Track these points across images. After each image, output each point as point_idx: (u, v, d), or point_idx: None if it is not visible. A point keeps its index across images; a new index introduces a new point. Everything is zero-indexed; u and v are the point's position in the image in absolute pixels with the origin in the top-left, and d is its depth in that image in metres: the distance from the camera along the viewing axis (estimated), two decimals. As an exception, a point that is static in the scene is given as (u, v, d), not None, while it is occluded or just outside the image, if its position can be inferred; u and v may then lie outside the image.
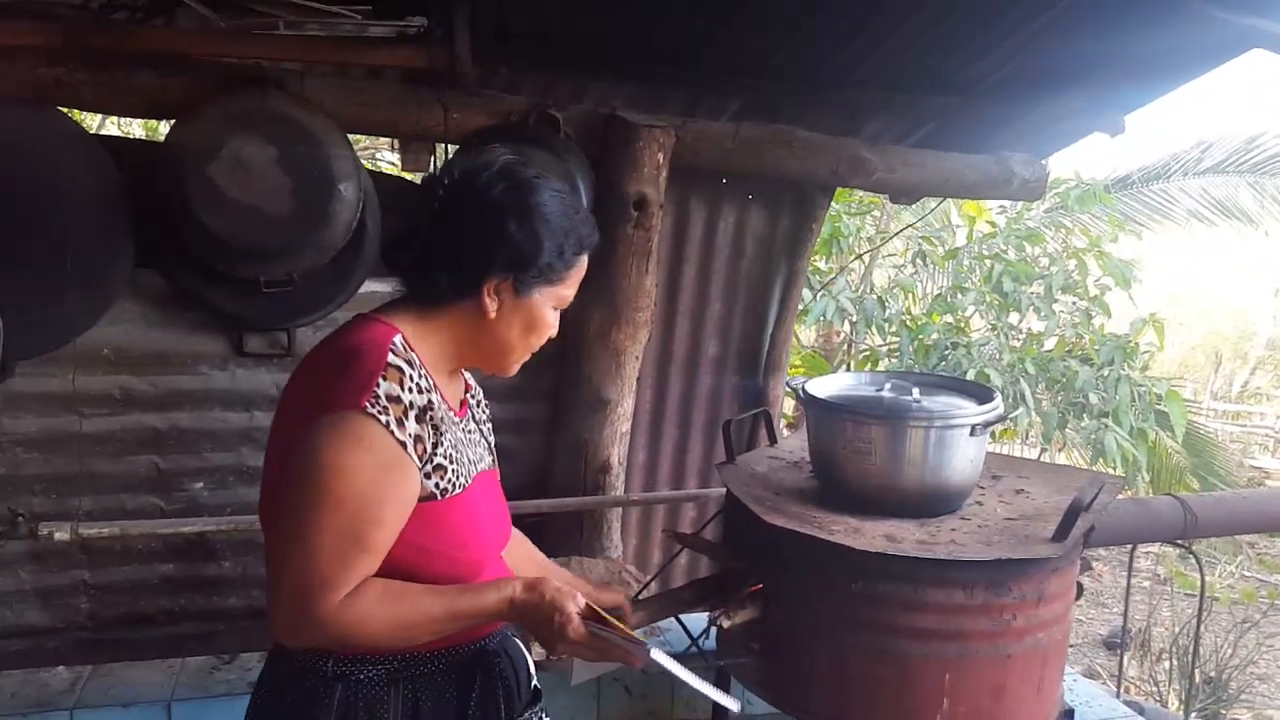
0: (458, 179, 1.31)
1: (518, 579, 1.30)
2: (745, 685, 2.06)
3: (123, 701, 2.23)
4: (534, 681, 1.51)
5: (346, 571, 1.19)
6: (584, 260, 1.38)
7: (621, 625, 1.28)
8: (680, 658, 2.11)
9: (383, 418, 1.19)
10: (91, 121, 5.66)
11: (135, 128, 6.35)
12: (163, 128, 2.63)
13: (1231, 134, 8.14)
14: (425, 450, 1.25)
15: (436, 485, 1.27)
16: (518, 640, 1.52)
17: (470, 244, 1.30)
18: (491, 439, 1.57)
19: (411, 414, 1.22)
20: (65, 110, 2.43)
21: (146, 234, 2.47)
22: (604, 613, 1.29)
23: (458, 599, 1.25)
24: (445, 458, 1.28)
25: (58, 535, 2.35)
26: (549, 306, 1.36)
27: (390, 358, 1.22)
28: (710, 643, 2.07)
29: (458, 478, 1.30)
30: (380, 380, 1.20)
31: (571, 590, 1.29)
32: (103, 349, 2.61)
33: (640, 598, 2.26)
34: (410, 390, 1.23)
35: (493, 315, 1.32)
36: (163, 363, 2.69)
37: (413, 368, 1.25)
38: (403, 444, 1.21)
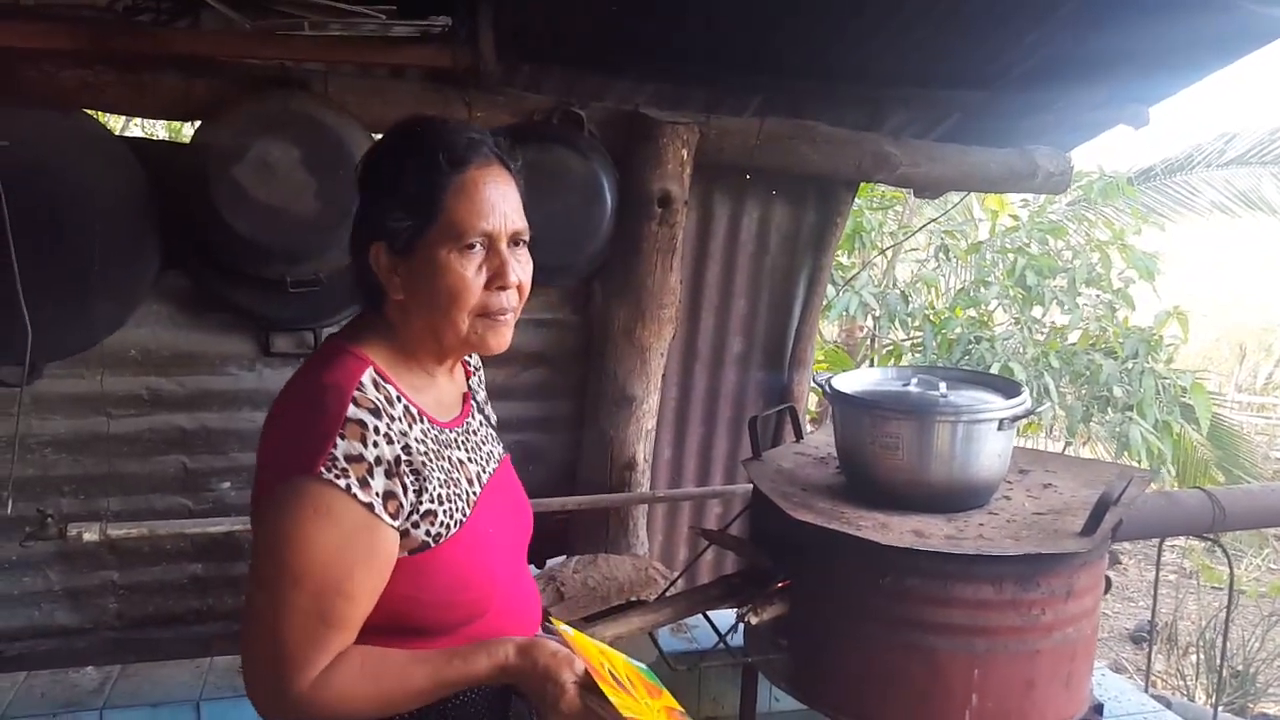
0: None
1: (511, 641, 1.16)
2: (773, 682, 2.06)
3: (152, 701, 2.25)
4: None
5: (315, 651, 1.10)
6: (471, 178, 1.16)
7: (620, 704, 1.11)
8: (707, 654, 2.12)
9: (341, 481, 1.07)
10: (116, 123, 5.71)
11: (159, 130, 6.40)
12: (187, 129, 2.64)
13: (1255, 125, 8.06)
14: (402, 505, 1.12)
15: (427, 533, 1.15)
16: None
17: (350, 237, 1.22)
18: (494, 418, 1.47)
19: (379, 470, 1.10)
20: (91, 113, 2.45)
21: (173, 236, 2.49)
22: (606, 682, 1.14)
23: (445, 668, 1.14)
24: (434, 500, 1.16)
25: (86, 536, 2.36)
26: (445, 252, 1.15)
27: (351, 410, 1.10)
28: (738, 639, 2.07)
29: (453, 514, 1.19)
30: (338, 440, 1.08)
31: (570, 656, 1.15)
32: (130, 350, 2.63)
33: (667, 594, 2.26)
34: (375, 445, 1.10)
35: (401, 295, 1.18)
36: (190, 363, 2.71)
37: (381, 415, 1.12)
38: (369, 505, 1.09)
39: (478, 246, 1.17)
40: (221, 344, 2.72)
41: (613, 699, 1.10)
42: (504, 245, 1.19)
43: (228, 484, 2.81)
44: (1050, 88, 3.01)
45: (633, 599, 2.56)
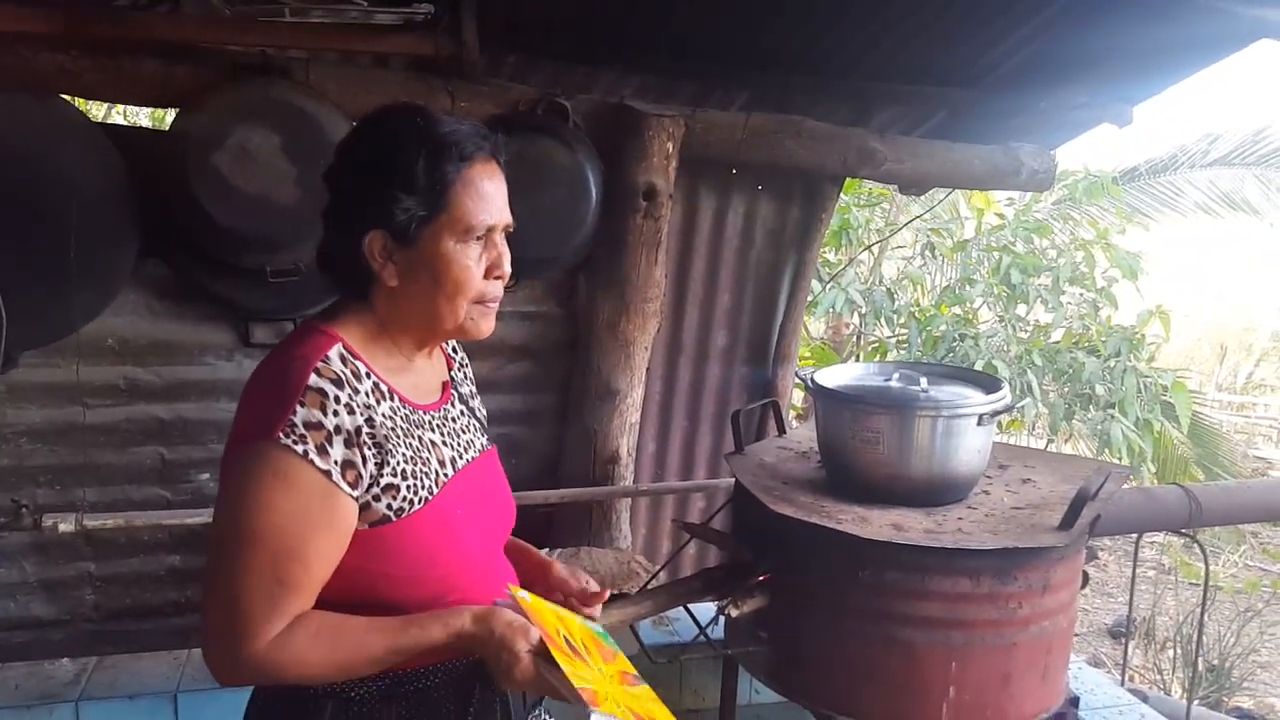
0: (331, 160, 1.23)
1: (468, 610, 1.18)
2: (753, 674, 2.07)
3: (128, 693, 2.24)
4: None
5: (271, 612, 1.11)
6: (473, 172, 1.19)
7: (572, 673, 1.12)
8: (688, 647, 2.12)
9: (299, 447, 1.09)
10: (97, 110, 5.65)
11: (141, 117, 6.34)
12: (168, 116, 2.62)
13: (1238, 126, 8.13)
14: (361, 475, 1.14)
15: (389, 506, 1.17)
16: None
17: (336, 219, 1.22)
18: (483, 413, 1.48)
19: (338, 439, 1.12)
20: (69, 99, 2.42)
21: (151, 224, 2.46)
22: (560, 650, 1.14)
23: (400, 635, 1.16)
24: (396, 474, 1.17)
25: (62, 527, 2.34)
26: (452, 243, 1.19)
27: (312, 379, 1.12)
28: (718, 632, 2.07)
29: (418, 491, 1.20)
30: (298, 407, 1.10)
31: (525, 625, 1.16)
32: (107, 339, 2.60)
33: (649, 587, 2.26)
34: (335, 414, 1.12)
35: (395, 282, 1.20)
36: (168, 353, 2.68)
37: (344, 385, 1.14)
38: (326, 472, 1.11)
39: (479, 239, 1.21)
40: (200, 334, 2.69)
41: (565, 667, 1.11)
42: (499, 237, 1.24)
43: (206, 475, 2.78)
44: (1035, 86, 3.01)
45: (615, 592, 2.55)
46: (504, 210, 1.24)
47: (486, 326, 1.27)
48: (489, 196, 1.21)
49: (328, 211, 1.24)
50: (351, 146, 1.23)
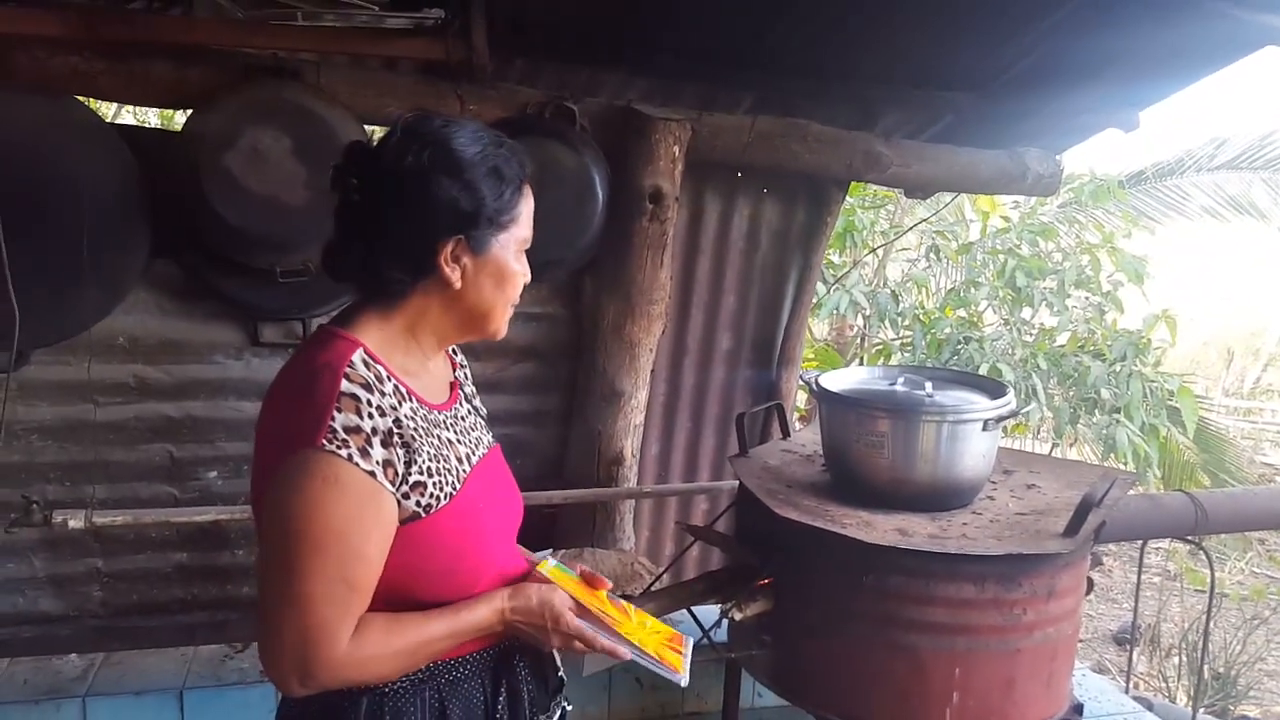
0: (367, 162, 1.22)
1: (502, 589, 1.29)
2: (756, 677, 2.07)
3: (135, 689, 2.25)
4: (560, 672, 1.49)
5: (344, 614, 1.15)
6: (529, 191, 1.30)
7: (612, 620, 1.28)
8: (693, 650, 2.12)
9: (343, 451, 1.12)
10: (108, 110, 5.67)
11: (151, 117, 6.36)
12: (179, 117, 2.63)
13: (1245, 131, 8.09)
14: (397, 473, 1.18)
15: (418, 503, 1.20)
16: None
17: (408, 222, 1.21)
18: (484, 411, 1.52)
19: (376, 440, 1.16)
20: (82, 99, 2.44)
21: (163, 224, 2.48)
22: (598, 602, 1.30)
23: (455, 620, 1.24)
24: (423, 472, 1.21)
25: (72, 523, 2.35)
26: (511, 252, 1.28)
27: (344, 385, 1.15)
28: (721, 635, 2.08)
29: (443, 487, 1.23)
30: (335, 413, 1.13)
31: (555, 588, 1.29)
32: (118, 338, 2.63)
33: (652, 589, 2.27)
34: (370, 416, 1.16)
35: (459, 285, 1.25)
36: (178, 352, 2.71)
37: (373, 389, 1.18)
38: (371, 473, 1.14)
39: (523, 250, 1.32)
40: (210, 333, 2.72)
41: (606, 614, 1.27)
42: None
43: (214, 473, 2.81)
44: (1042, 91, 3.02)
45: (618, 594, 2.56)
46: None
47: (505, 329, 1.36)
48: (532, 210, 1.32)
49: (377, 212, 1.21)
50: (420, 159, 1.20)
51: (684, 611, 2.21)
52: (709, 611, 2.11)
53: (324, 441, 1.12)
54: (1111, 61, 2.82)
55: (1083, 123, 3.27)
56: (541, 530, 3.10)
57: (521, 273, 1.31)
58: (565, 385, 3.17)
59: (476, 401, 1.51)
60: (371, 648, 1.17)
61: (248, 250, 2.48)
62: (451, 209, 1.21)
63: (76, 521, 2.35)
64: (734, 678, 2.32)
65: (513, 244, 1.28)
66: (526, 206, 1.29)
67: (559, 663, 1.50)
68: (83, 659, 2.36)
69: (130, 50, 2.33)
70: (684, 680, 1.34)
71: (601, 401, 3.04)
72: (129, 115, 6.19)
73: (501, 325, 1.33)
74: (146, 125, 5.82)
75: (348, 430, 1.13)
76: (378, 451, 1.15)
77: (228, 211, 2.36)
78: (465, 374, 1.52)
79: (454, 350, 1.51)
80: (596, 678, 2.49)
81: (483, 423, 1.46)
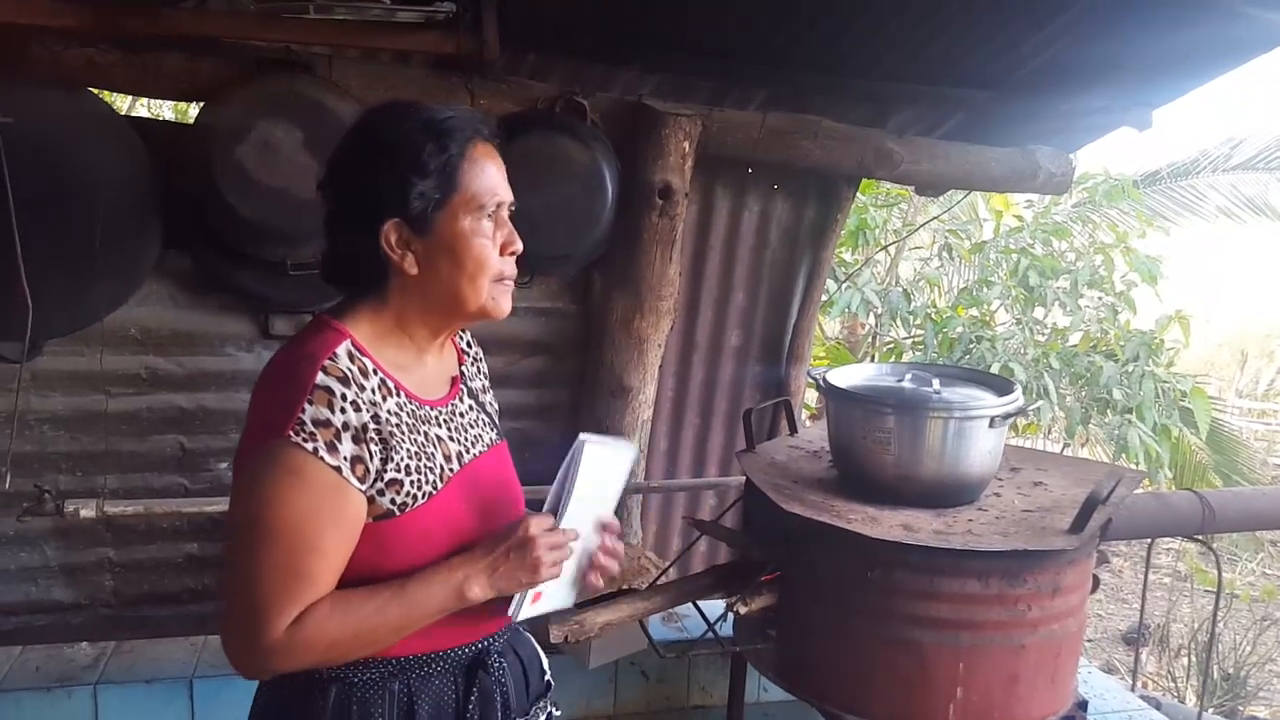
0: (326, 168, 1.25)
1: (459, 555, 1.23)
2: (761, 671, 2.08)
3: (146, 678, 2.28)
4: (546, 676, 1.49)
5: (288, 601, 1.13)
6: (481, 152, 1.23)
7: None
8: (697, 643, 2.13)
9: (309, 445, 1.12)
10: (122, 103, 5.71)
11: (165, 110, 6.40)
12: (193, 110, 2.65)
13: (1262, 131, 8.02)
14: (368, 470, 1.17)
15: (393, 501, 1.19)
16: (530, 636, 1.49)
17: (348, 215, 1.23)
18: (494, 407, 1.50)
19: (346, 435, 1.14)
20: (95, 92, 2.45)
21: (175, 216, 2.50)
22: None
23: (404, 588, 1.18)
24: (400, 469, 1.19)
25: (83, 513, 2.37)
26: (467, 223, 1.22)
27: (319, 377, 1.14)
28: (727, 629, 2.09)
29: (421, 486, 1.22)
30: (306, 405, 1.12)
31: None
32: (130, 329, 2.65)
33: (659, 583, 2.28)
34: (343, 411, 1.14)
35: (415, 270, 1.22)
36: (189, 343, 2.72)
37: (350, 383, 1.16)
38: (337, 468, 1.13)
39: (491, 216, 1.25)
40: (221, 325, 2.73)
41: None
42: (505, 214, 1.28)
43: (225, 464, 2.82)
44: (1055, 89, 3.00)
45: (624, 587, 2.57)
46: (508, 189, 1.28)
47: (506, 305, 1.29)
48: (493, 173, 1.25)
49: (332, 217, 1.25)
50: (352, 147, 1.24)
51: (690, 605, 2.22)
52: (715, 605, 2.12)
53: (290, 432, 1.12)
54: (1125, 60, 2.81)
55: (1095, 121, 3.26)
56: (549, 524, 3.10)
57: (484, 242, 1.23)
58: (573, 380, 3.17)
59: (487, 398, 1.49)
60: (315, 625, 1.14)
61: (259, 243, 2.49)
62: (379, 195, 1.21)
63: (88, 511, 2.37)
64: (739, 671, 2.33)
65: (464, 213, 1.22)
66: (477, 169, 1.22)
67: (546, 666, 1.49)
68: (94, 647, 2.39)
69: (144, 43, 2.35)
70: (511, 613, 1.27)
71: (609, 397, 3.04)
72: (143, 108, 6.23)
73: (483, 302, 1.25)
74: (161, 118, 5.86)
75: (316, 423, 1.13)
76: (346, 447, 1.14)
77: (239, 204, 2.37)
78: (479, 367, 1.50)
79: (469, 343, 1.50)
80: (603, 670, 2.50)
81: (488, 420, 1.43)
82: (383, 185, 1.20)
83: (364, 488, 1.17)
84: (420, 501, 1.22)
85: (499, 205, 1.26)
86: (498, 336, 2.91)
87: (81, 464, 2.71)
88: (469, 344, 1.50)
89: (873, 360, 6.96)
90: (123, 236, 2.41)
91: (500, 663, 1.34)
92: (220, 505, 2.61)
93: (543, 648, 1.52)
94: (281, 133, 2.37)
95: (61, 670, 2.29)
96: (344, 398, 1.15)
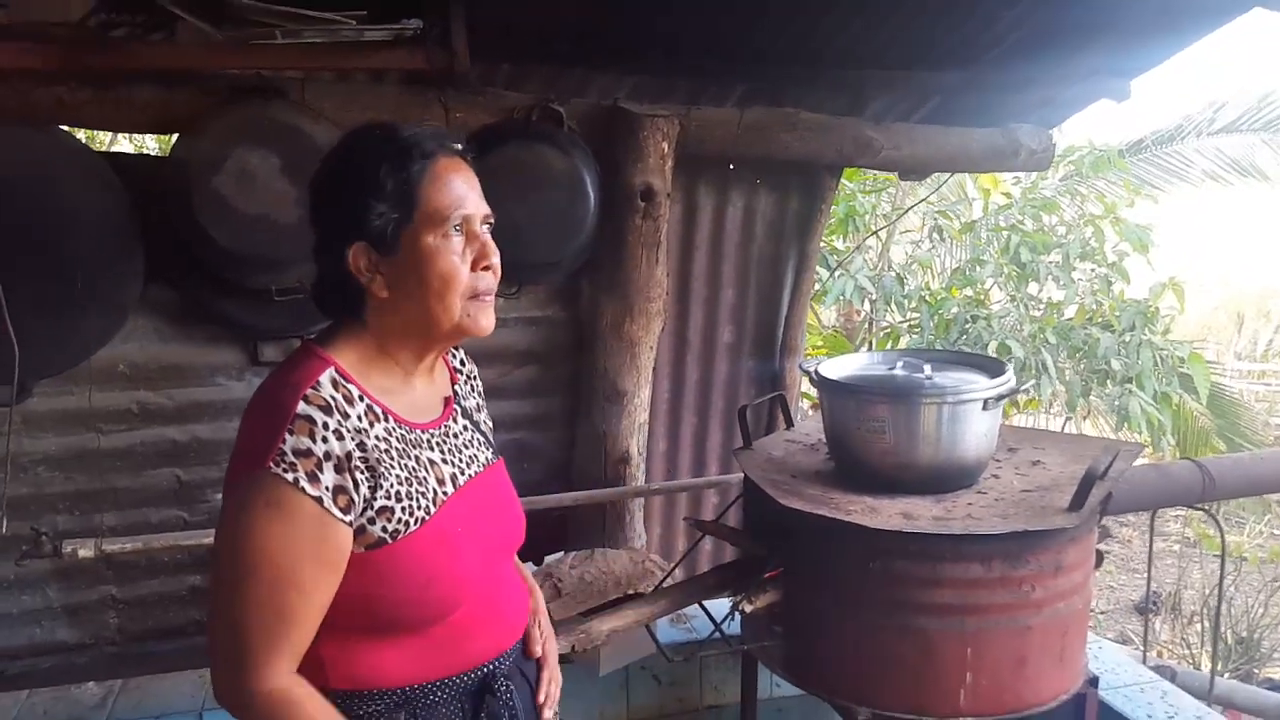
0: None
1: None
2: (770, 668, 2.07)
3: (154, 714, 2.26)
4: None
5: (271, 646, 1.13)
6: (439, 167, 1.21)
7: None
8: (705, 644, 2.12)
9: (289, 475, 1.10)
10: (104, 139, 5.70)
11: (150, 144, 6.40)
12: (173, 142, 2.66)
13: (1243, 93, 8.02)
14: (352, 501, 1.14)
15: (384, 529, 1.17)
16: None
17: (318, 242, 1.24)
18: (489, 425, 1.48)
19: (328, 465, 1.13)
20: (69, 130, 2.45)
21: (157, 249, 2.50)
22: None
23: None
24: (390, 496, 1.18)
25: (82, 552, 2.36)
26: (433, 240, 1.19)
27: (300, 407, 1.13)
28: (735, 627, 2.08)
29: (414, 512, 1.20)
30: (287, 434, 1.11)
31: None
32: (118, 365, 2.64)
33: (664, 586, 2.27)
34: (325, 440, 1.13)
35: (385, 293, 1.21)
36: (179, 376, 2.72)
37: (334, 411, 1.15)
38: (318, 499, 1.11)
39: (458, 231, 1.22)
40: (210, 355, 2.73)
41: None
42: (479, 227, 1.25)
43: (221, 495, 2.81)
44: (1031, 64, 2.99)
45: (630, 592, 2.56)
46: (479, 202, 1.25)
47: (486, 322, 1.26)
48: (457, 188, 1.22)
49: (315, 244, 1.26)
50: (320, 173, 1.25)
51: (696, 606, 2.21)
52: (721, 605, 2.11)
53: (270, 463, 1.11)
54: (1100, 30, 2.80)
55: (1074, 95, 3.25)
56: (552, 534, 3.10)
57: (451, 258, 1.20)
58: (568, 388, 3.17)
59: (481, 416, 1.47)
60: (296, 708, 1.15)
61: (242, 271, 2.48)
62: (342, 219, 1.21)
63: (86, 551, 2.36)
64: (750, 669, 2.32)
65: (427, 230, 1.19)
66: (439, 184, 1.20)
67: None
68: (101, 686, 2.37)
69: (114, 78, 2.34)
70: None
71: (605, 402, 3.04)
72: (126, 143, 6.22)
73: (458, 320, 1.23)
74: (145, 152, 5.85)
75: (297, 453, 1.11)
76: (329, 477, 1.13)
77: (220, 233, 2.37)
78: (473, 385, 1.49)
79: (462, 361, 1.49)
80: (614, 676, 2.49)
81: (483, 439, 1.42)
82: (345, 209, 1.20)
83: (348, 519, 1.15)
84: (413, 528, 1.20)
85: (465, 219, 1.22)
86: (489, 348, 2.90)
87: (78, 503, 2.70)
88: (462, 362, 1.49)
89: (870, 346, 6.96)
90: (105, 273, 2.41)
91: (507, 686, 1.32)
92: (220, 536, 2.60)
93: None
94: (258, 160, 2.37)
95: (69, 712, 2.27)
96: (326, 426, 1.14)
